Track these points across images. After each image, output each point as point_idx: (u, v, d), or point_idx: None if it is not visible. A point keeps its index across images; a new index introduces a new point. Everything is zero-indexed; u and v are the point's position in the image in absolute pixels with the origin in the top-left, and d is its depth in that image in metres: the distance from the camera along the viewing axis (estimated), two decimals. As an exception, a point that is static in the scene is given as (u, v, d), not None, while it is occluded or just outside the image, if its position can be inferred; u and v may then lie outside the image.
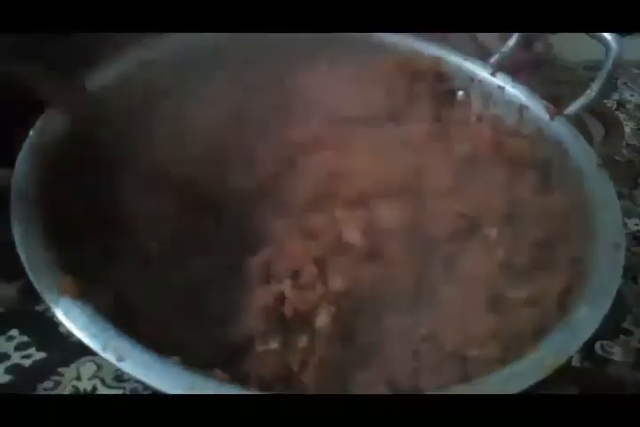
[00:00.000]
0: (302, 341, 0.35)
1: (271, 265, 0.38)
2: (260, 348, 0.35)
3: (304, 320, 0.36)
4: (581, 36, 0.47)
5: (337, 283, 0.37)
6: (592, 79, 0.48)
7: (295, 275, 0.37)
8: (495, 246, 0.42)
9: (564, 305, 0.37)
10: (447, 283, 0.39)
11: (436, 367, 0.35)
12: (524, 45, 0.53)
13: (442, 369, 0.35)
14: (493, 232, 0.42)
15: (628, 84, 0.78)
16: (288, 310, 0.36)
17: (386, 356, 0.36)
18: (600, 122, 0.58)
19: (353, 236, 0.39)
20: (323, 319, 0.35)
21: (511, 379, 0.32)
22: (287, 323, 0.36)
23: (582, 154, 0.45)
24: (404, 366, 0.36)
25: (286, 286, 0.37)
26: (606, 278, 0.37)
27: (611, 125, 0.59)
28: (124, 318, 0.32)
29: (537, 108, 0.49)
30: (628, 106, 0.74)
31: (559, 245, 0.42)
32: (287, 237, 0.40)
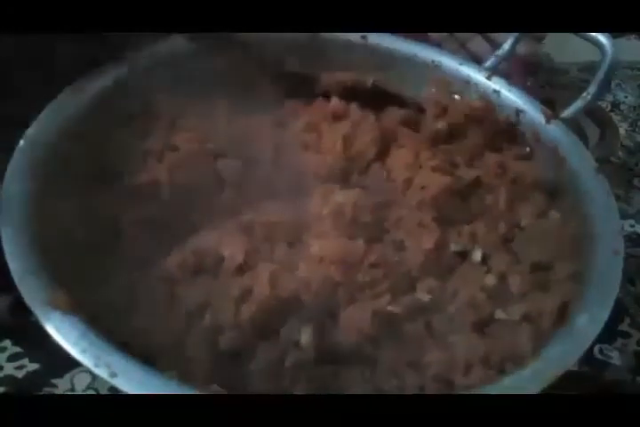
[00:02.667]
0: (291, 358, 0.35)
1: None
2: (251, 366, 0.34)
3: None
4: (574, 37, 0.47)
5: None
6: (586, 81, 0.47)
7: None
8: (485, 268, 0.41)
9: (562, 318, 0.36)
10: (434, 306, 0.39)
11: (421, 390, 0.35)
12: (517, 49, 0.52)
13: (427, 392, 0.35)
14: (478, 256, 0.42)
15: (622, 85, 0.78)
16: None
17: (373, 372, 0.36)
18: (595, 124, 0.58)
19: None
20: (305, 337, 0.35)
21: (512, 390, 0.31)
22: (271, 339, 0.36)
23: (580, 158, 0.45)
24: (390, 384, 0.35)
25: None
26: (605, 286, 0.37)
27: (606, 127, 0.59)
28: (115, 331, 0.32)
29: (533, 111, 0.48)
30: (621, 107, 0.74)
31: (558, 261, 0.41)
32: None
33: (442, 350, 0.37)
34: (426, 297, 0.38)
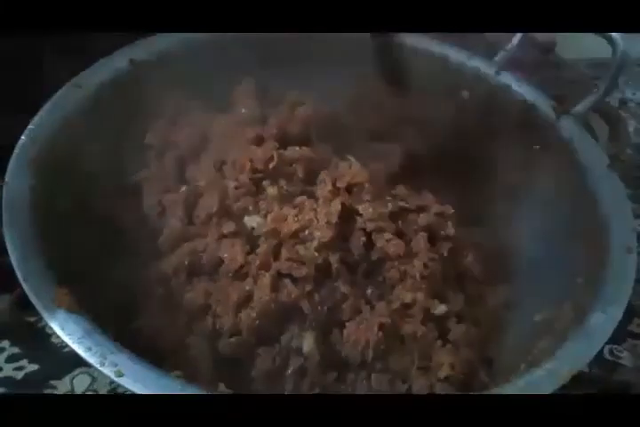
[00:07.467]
0: (293, 364, 0.34)
1: None
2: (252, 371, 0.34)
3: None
4: (583, 34, 0.46)
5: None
6: (595, 78, 0.47)
7: None
8: None
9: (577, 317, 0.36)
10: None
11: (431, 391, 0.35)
12: (527, 44, 0.52)
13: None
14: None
15: (630, 82, 0.77)
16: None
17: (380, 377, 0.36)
18: (605, 121, 0.57)
19: None
20: (308, 344, 0.35)
21: (528, 388, 0.31)
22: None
23: (591, 154, 0.44)
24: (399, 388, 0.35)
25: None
26: (619, 283, 0.36)
27: (615, 125, 0.58)
28: (120, 329, 0.31)
29: (544, 106, 0.47)
30: (630, 104, 0.74)
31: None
32: None
33: (453, 352, 0.36)
34: (441, 309, 0.38)
